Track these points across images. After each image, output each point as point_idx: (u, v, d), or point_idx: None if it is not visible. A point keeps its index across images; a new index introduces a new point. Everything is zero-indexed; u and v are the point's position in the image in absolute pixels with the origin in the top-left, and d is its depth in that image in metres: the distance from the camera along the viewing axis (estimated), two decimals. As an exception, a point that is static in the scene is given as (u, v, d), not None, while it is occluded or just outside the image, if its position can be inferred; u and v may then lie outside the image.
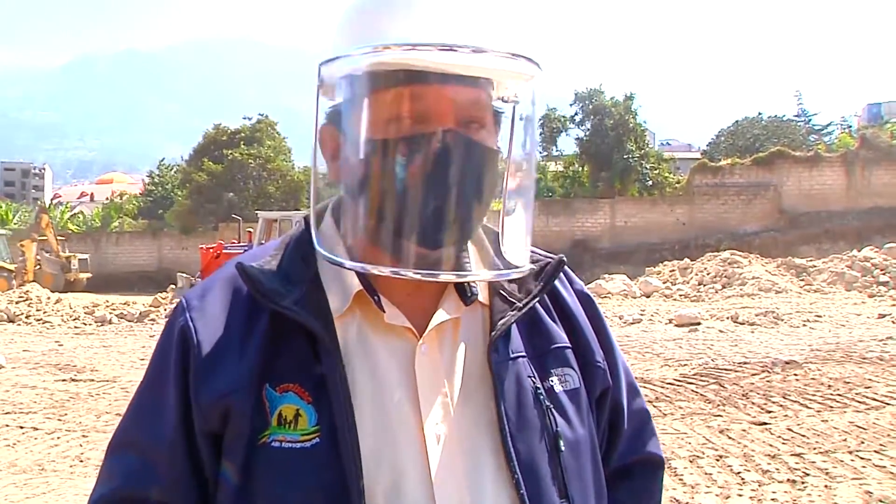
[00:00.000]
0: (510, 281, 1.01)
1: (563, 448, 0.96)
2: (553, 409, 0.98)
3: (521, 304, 0.99)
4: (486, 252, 1.00)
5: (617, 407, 1.11)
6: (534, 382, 0.98)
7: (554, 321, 1.06)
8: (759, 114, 41.40)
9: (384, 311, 0.95)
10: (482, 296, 1.01)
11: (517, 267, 0.97)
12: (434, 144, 0.88)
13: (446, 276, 0.89)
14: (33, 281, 23.48)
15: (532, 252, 1.05)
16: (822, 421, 5.90)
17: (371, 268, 0.90)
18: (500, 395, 0.94)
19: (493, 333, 0.97)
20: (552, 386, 1.00)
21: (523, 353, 1.00)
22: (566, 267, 1.12)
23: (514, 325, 1.00)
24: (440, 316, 0.97)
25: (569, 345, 1.05)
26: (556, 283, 1.08)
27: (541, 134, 34.15)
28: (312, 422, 0.91)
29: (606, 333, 1.12)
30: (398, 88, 0.89)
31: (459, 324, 0.99)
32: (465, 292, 0.99)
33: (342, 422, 0.89)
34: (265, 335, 0.94)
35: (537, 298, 1.02)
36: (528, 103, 0.96)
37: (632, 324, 12.22)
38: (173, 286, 22.26)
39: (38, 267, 26.82)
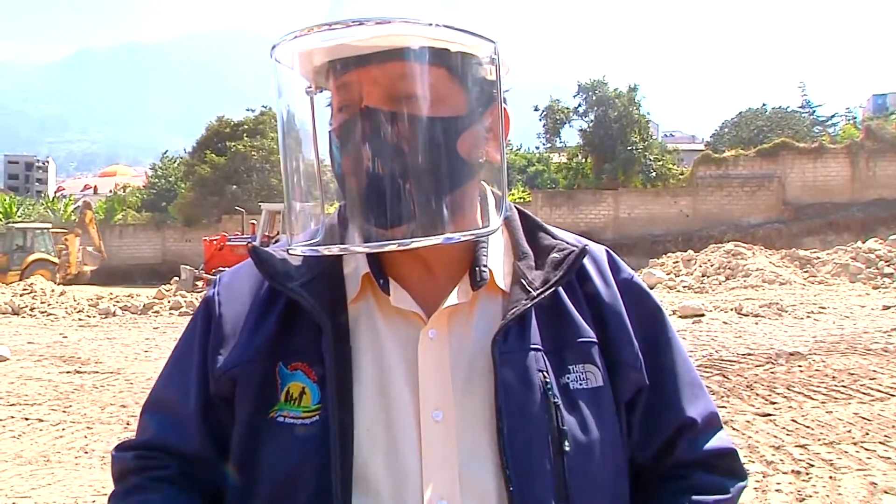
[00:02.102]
0: (535, 269, 1.00)
1: (567, 448, 0.93)
2: (562, 407, 0.94)
3: (534, 294, 0.97)
4: (452, 220, 0.94)
5: (665, 409, 1.04)
6: (545, 377, 0.95)
7: (583, 315, 1.01)
8: (763, 105, 41.30)
9: (389, 295, 0.96)
10: (504, 284, 0.99)
11: (471, 231, 0.95)
12: (356, 125, 0.91)
13: (391, 246, 0.89)
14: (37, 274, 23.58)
15: (561, 240, 1.04)
16: (827, 412, 5.88)
17: (323, 249, 0.93)
18: (499, 386, 0.92)
19: (502, 322, 0.95)
20: (568, 383, 0.97)
21: (539, 346, 0.97)
22: (613, 255, 1.10)
23: (533, 317, 0.98)
24: (449, 301, 0.96)
25: (595, 340, 1.00)
26: (593, 273, 1.05)
27: (544, 125, 34.12)
28: (315, 400, 0.94)
29: (655, 325, 1.07)
30: (318, 79, 0.97)
31: (475, 310, 0.98)
32: (475, 277, 0.97)
33: (333, 403, 0.92)
34: (281, 315, 0.98)
35: (551, 290, 0.98)
36: (468, 70, 0.93)
37: (635, 315, 12.19)
38: (177, 278, 22.31)
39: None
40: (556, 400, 0.94)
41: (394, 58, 0.89)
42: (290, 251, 0.96)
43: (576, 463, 0.94)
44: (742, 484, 1.07)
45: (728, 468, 1.06)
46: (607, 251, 1.10)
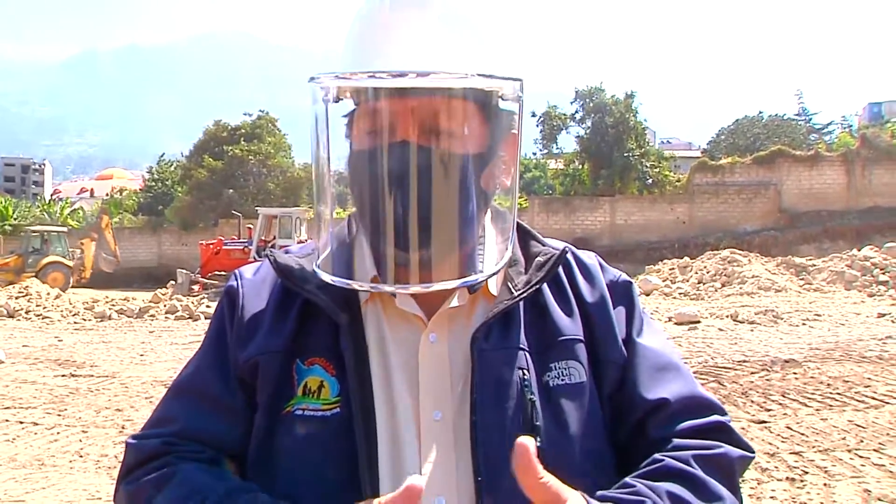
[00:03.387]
0: (522, 273, 1.05)
1: (539, 443, 0.94)
2: (538, 404, 0.98)
3: (516, 294, 1.02)
4: (467, 253, 1.00)
5: (631, 389, 1.04)
6: (523, 374, 0.99)
7: (570, 314, 1.06)
8: (760, 113, 41.48)
9: (395, 296, 1.01)
10: (496, 290, 1.04)
11: (484, 271, 1.00)
12: (389, 156, 0.94)
13: (414, 289, 0.94)
14: (34, 276, 23.59)
15: (547, 246, 1.10)
16: (822, 419, 5.89)
17: (354, 284, 0.98)
18: (476, 381, 0.97)
19: (483, 321, 1.00)
20: (549, 380, 1.01)
21: (522, 345, 1.01)
22: (601, 259, 1.15)
23: (521, 318, 1.02)
24: (446, 304, 1.01)
25: (579, 338, 1.04)
26: (580, 276, 1.10)
27: (541, 131, 34.18)
28: (335, 392, 0.98)
29: (630, 314, 1.09)
30: (353, 111, 1.01)
31: (472, 315, 1.03)
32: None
33: (356, 399, 0.96)
34: (298, 314, 1.03)
35: (533, 289, 1.03)
36: (496, 108, 0.99)
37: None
38: (173, 282, 22.30)
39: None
40: (532, 396, 0.98)
41: (431, 95, 0.93)
42: (320, 275, 1.00)
43: (548, 458, 0.93)
44: (737, 451, 0.99)
45: (714, 440, 1.00)
46: (596, 256, 1.16)
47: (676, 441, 0.99)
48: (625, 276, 1.14)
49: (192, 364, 1.09)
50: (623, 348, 1.06)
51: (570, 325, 1.05)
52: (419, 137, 0.93)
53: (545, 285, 1.06)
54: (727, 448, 0.99)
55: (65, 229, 29.56)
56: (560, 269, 1.08)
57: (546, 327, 1.04)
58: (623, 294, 1.11)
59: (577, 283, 1.09)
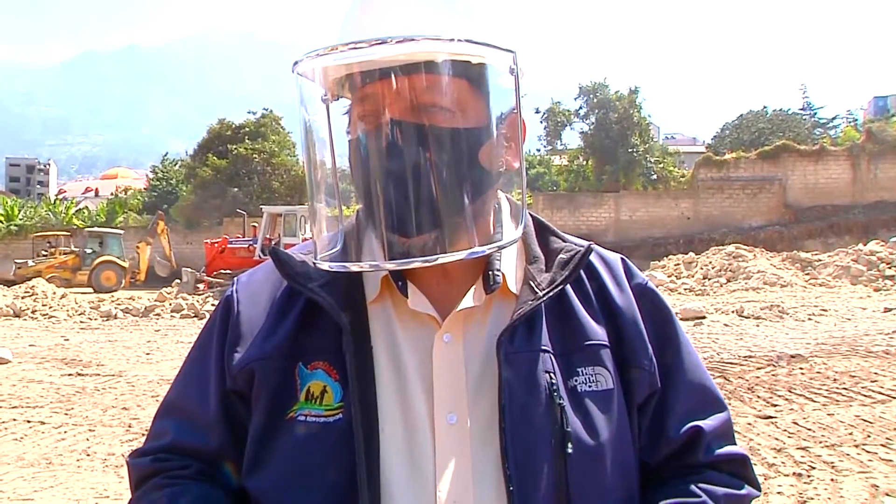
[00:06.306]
0: (544, 271, 1.01)
1: (570, 450, 0.93)
2: (568, 409, 0.94)
3: (541, 294, 0.97)
4: (474, 232, 0.94)
5: (672, 415, 1.04)
6: (551, 378, 0.95)
7: (595, 317, 1.02)
8: (764, 107, 41.36)
9: (407, 297, 0.97)
10: (516, 288, 1.00)
11: (493, 244, 0.95)
12: (381, 136, 0.91)
13: (416, 263, 0.90)
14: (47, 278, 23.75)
15: (569, 242, 1.06)
16: (828, 414, 5.88)
17: (352, 265, 0.94)
18: (503, 386, 0.93)
19: (508, 323, 0.96)
20: (576, 385, 0.97)
21: (548, 348, 0.97)
22: (628, 262, 1.11)
23: (544, 319, 0.99)
24: (462, 304, 0.97)
25: (605, 343, 1.00)
26: (607, 278, 1.06)
27: (545, 128, 34.14)
28: (338, 398, 0.94)
29: (667, 330, 1.07)
30: (339, 90, 0.98)
31: (488, 314, 0.99)
32: (489, 281, 0.98)
33: (356, 401, 0.92)
34: (300, 315, 1.00)
35: (557, 289, 0.99)
36: (488, 81, 0.94)
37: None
38: (178, 281, 22.34)
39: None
40: (561, 402, 0.94)
41: (416, 70, 0.90)
42: (318, 264, 0.96)
43: (579, 465, 0.93)
44: (755, 492, 1.05)
45: (739, 473, 1.05)
46: (623, 259, 1.12)
47: (708, 473, 1.04)
48: (651, 283, 1.10)
49: (177, 381, 1.08)
50: (653, 355, 1.03)
51: (596, 329, 1.01)
52: (407, 114, 0.90)
53: (567, 284, 1.01)
54: (749, 490, 1.05)
55: (121, 232, 30.53)
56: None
57: (570, 328, 1.00)
58: (652, 299, 1.08)
59: (602, 284, 1.06)
